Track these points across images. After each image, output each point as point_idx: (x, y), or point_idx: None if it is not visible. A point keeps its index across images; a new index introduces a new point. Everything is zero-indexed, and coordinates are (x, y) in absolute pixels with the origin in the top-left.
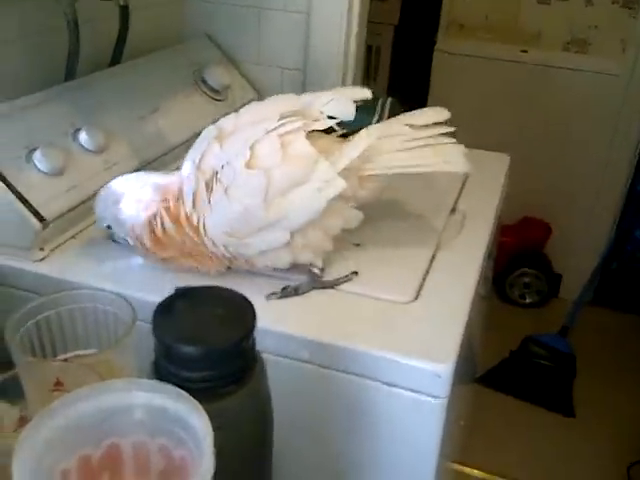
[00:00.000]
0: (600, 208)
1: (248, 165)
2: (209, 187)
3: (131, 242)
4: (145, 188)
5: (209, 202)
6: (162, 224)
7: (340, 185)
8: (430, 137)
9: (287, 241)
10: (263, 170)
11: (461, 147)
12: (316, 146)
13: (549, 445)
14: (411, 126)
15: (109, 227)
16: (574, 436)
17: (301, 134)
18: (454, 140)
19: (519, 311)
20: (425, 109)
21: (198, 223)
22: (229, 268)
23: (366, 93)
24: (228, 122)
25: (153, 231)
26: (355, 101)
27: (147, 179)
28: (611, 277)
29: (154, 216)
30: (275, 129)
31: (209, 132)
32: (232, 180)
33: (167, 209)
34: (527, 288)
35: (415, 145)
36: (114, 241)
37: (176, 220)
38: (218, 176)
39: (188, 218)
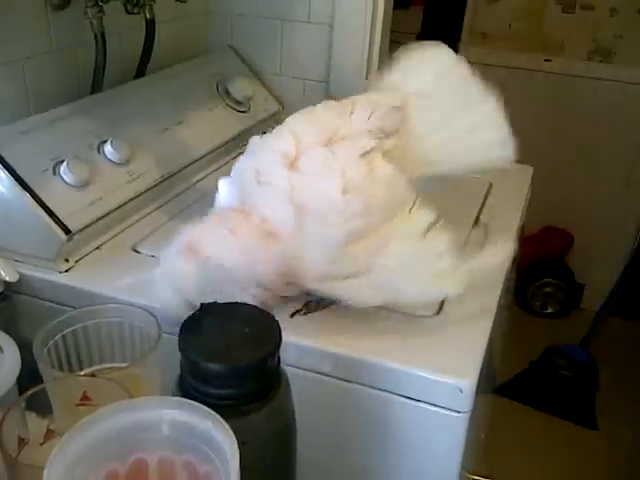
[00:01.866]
0: (623, 217)
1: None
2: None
3: None
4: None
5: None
6: None
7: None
8: None
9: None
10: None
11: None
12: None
13: (571, 457)
14: None
15: None
16: (596, 448)
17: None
18: None
19: (540, 321)
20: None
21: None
22: None
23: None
24: (288, 146)
25: None
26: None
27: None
28: (635, 288)
29: None
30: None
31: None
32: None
33: None
34: (548, 298)
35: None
36: None
37: None
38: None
39: None
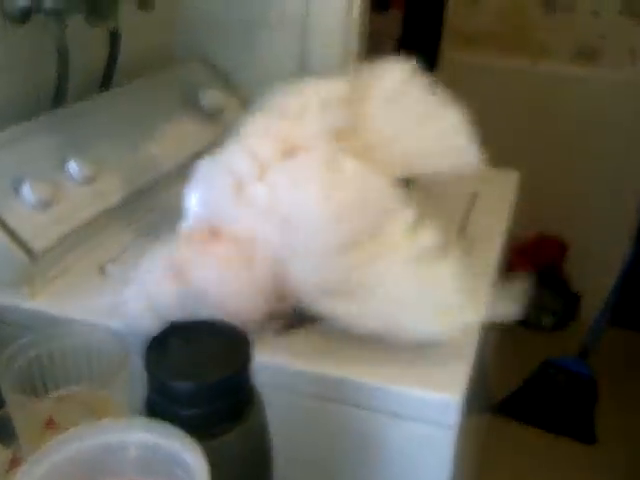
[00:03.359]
0: (618, 223)
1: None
2: None
3: None
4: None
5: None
6: None
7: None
8: None
9: None
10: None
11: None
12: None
13: (570, 473)
14: None
15: None
16: (596, 463)
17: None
18: None
19: (536, 334)
20: None
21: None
22: None
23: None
24: (248, 166)
25: None
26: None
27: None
28: (632, 297)
29: None
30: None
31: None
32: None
33: None
34: (543, 309)
35: None
36: None
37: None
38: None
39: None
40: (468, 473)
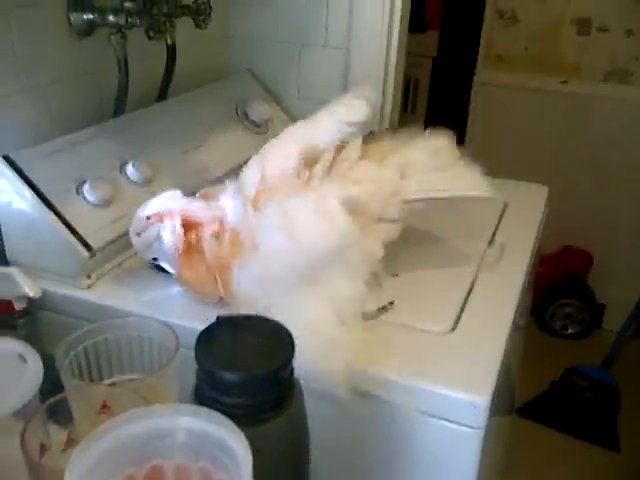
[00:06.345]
0: None
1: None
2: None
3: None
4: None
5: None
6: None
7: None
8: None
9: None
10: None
11: (477, 170)
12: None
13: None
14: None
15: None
16: (618, 471)
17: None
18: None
19: (561, 342)
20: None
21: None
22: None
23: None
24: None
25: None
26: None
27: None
28: None
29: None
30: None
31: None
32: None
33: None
34: (569, 318)
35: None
36: (157, 267)
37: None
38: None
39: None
40: (491, 473)
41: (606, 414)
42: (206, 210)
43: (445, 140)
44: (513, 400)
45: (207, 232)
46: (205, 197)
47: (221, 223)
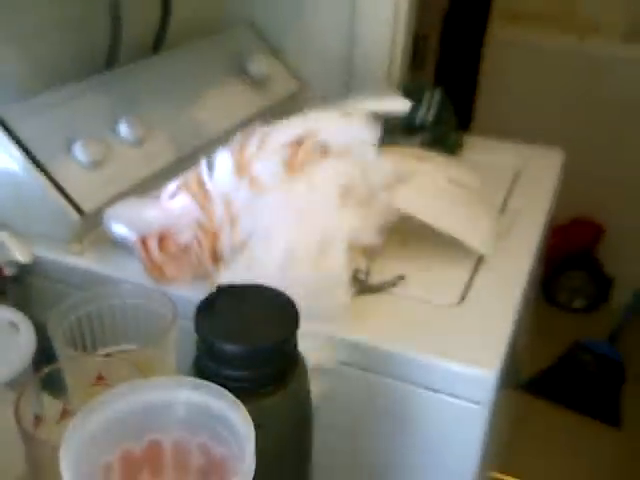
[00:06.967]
0: None
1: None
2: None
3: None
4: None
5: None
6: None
7: None
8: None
9: None
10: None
11: (493, 224)
12: None
13: (594, 455)
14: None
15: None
16: (620, 446)
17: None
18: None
19: (567, 315)
20: None
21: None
22: None
23: (401, 106)
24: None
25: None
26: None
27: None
28: None
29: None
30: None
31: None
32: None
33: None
34: (576, 292)
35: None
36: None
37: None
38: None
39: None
40: (496, 446)
41: (610, 389)
42: (182, 218)
43: (469, 174)
44: (518, 372)
45: (186, 239)
46: (187, 187)
47: (202, 227)
